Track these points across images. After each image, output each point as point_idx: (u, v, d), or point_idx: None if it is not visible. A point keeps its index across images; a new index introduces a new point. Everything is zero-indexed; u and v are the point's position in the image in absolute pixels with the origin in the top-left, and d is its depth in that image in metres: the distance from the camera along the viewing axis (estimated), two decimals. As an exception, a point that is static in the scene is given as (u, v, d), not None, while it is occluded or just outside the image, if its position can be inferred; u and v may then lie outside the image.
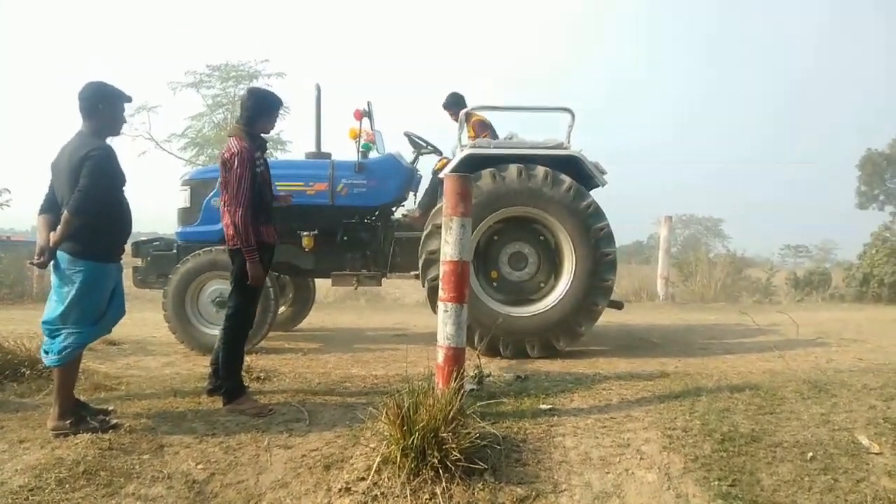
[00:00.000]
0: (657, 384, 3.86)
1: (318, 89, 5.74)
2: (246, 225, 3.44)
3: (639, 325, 7.14)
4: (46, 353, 3.22)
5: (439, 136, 6.15)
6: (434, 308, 4.74)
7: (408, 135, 6.00)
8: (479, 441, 2.76)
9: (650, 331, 6.66)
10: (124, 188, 3.37)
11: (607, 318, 6.68)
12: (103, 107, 3.26)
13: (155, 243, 5.81)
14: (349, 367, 4.77)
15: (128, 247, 3.55)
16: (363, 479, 2.69)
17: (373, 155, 5.76)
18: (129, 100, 3.36)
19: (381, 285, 6.14)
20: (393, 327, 7.23)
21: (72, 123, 3.33)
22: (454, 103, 6.19)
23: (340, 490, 2.67)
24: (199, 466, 2.88)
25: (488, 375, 3.91)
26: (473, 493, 2.59)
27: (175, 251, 5.62)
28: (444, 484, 2.58)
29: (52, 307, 3.20)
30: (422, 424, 2.66)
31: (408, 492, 2.58)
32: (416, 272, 5.27)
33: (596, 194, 5.20)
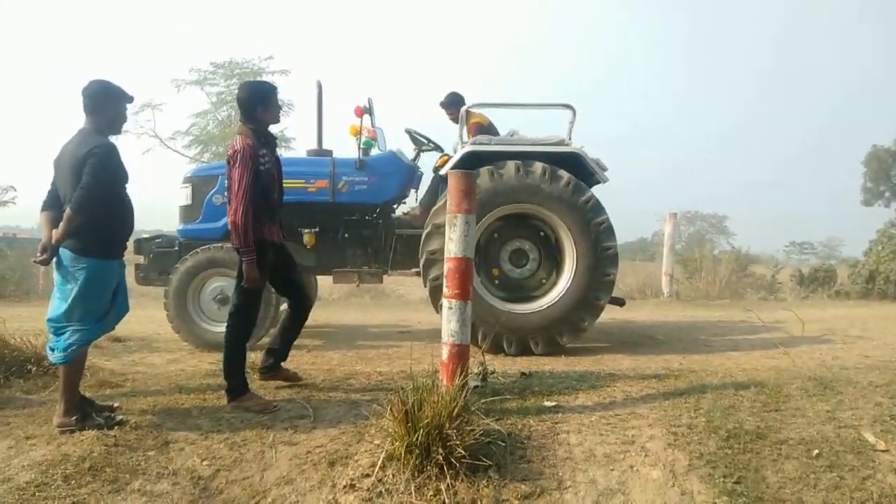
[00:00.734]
0: (662, 381, 3.85)
1: (320, 86, 5.74)
2: (245, 224, 3.38)
3: (643, 323, 7.13)
4: (52, 350, 3.23)
5: (440, 134, 6.15)
6: (437, 307, 4.74)
7: (409, 132, 5.99)
8: (483, 438, 2.76)
9: (654, 328, 6.65)
10: (127, 185, 3.37)
11: (611, 315, 6.69)
12: (107, 105, 3.26)
13: (157, 240, 5.82)
14: (353, 364, 4.77)
15: (130, 244, 3.55)
16: (368, 475, 2.70)
17: (374, 152, 5.76)
18: (131, 99, 3.37)
19: (382, 282, 6.15)
20: (397, 324, 7.24)
21: (75, 121, 3.34)
22: (452, 103, 6.09)
23: (345, 486, 2.67)
24: (205, 463, 2.89)
25: (492, 372, 3.91)
26: (478, 490, 2.59)
27: (177, 248, 5.63)
28: (448, 480, 2.58)
29: (56, 305, 3.21)
30: (426, 421, 2.66)
31: (412, 488, 2.58)
32: (417, 269, 5.27)
33: (598, 191, 5.19)
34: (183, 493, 2.70)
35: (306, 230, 5.50)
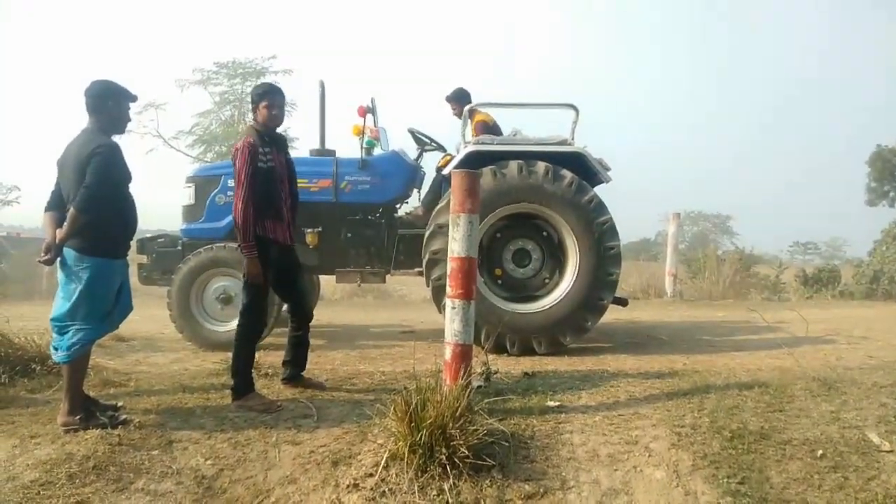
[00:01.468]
0: (665, 381, 3.85)
1: (322, 86, 5.74)
2: (246, 220, 3.44)
3: (647, 323, 7.12)
4: (56, 349, 3.23)
5: (443, 133, 6.14)
6: (439, 307, 4.74)
7: (412, 131, 5.99)
8: (486, 438, 2.76)
9: (658, 328, 6.63)
10: (130, 185, 3.38)
11: (615, 315, 6.68)
12: (110, 105, 3.28)
13: (160, 240, 5.83)
14: (356, 364, 4.78)
15: (133, 243, 3.56)
16: (371, 475, 2.70)
17: (377, 152, 5.76)
18: (134, 99, 3.38)
19: (384, 282, 6.15)
20: (400, 324, 7.23)
21: (78, 121, 3.36)
22: (457, 98, 6.08)
23: (348, 486, 2.67)
24: (208, 462, 2.90)
25: (496, 372, 3.91)
26: (481, 490, 2.59)
27: (180, 248, 5.64)
28: (451, 480, 2.58)
29: (60, 304, 3.22)
30: (429, 421, 2.66)
31: (415, 488, 2.58)
32: (420, 269, 5.27)
33: (601, 191, 5.18)
34: (186, 493, 2.71)
35: (309, 230, 5.50)
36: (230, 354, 3.66)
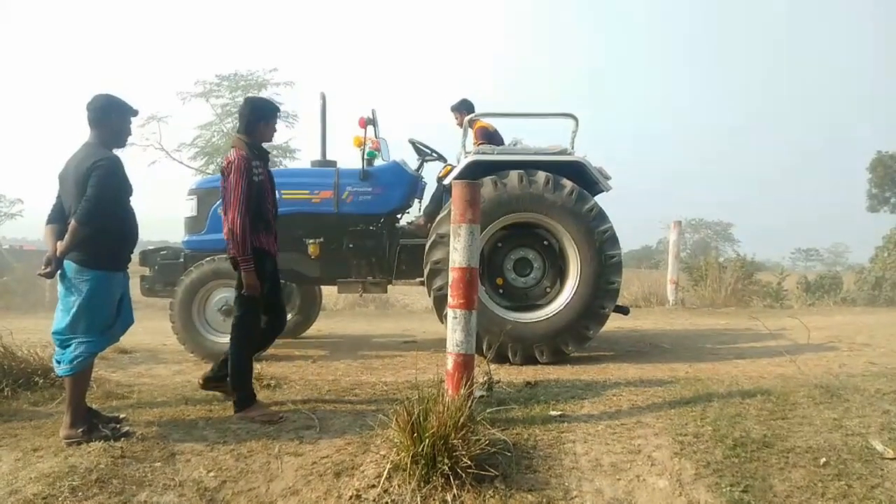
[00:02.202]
0: (668, 390, 3.84)
1: (324, 98, 5.78)
2: (243, 233, 3.45)
3: (649, 331, 7.11)
4: (58, 362, 3.24)
5: (443, 144, 6.18)
6: (441, 317, 4.75)
7: (412, 142, 6.02)
8: (489, 448, 2.76)
9: (660, 336, 6.62)
10: (131, 198, 3.41)
11: (617, 323, 6.68)
12: (111, 118, 3.31)
13: (162, 252, 5.85)
14: (359, 374, 4.78)
15: (135, 256, 3.57)
16: (374, 486, 2.70)
17: (378, 162, 5.79)
18: (135, 113, 3.41)
19: (386, 292, 6.16)
20: (402, 334, 7.23)
21: (80, 134, 3.39)
22: (460, 108, 6.19)
23: (351, 497, 2.67)
24: (211, 474, 2.89)
25: (498, 382, 3.91)
26: (484, 500, 2.58)
27: (182, 260, 5.66)
28: (454, 491, 2.58)
29: (60, 317, 3.22)
30: (432, 431, 2.66)
31: (418, 499, 2.58)
32: (422, 279, 5.28)
33: (602, 200, 5.20)
34: (189, 505, 2.70)
35: (311, 240, 5.52)
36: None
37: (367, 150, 5.58)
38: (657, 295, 10.47)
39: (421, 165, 6.03)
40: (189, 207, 5.69)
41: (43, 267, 3.19)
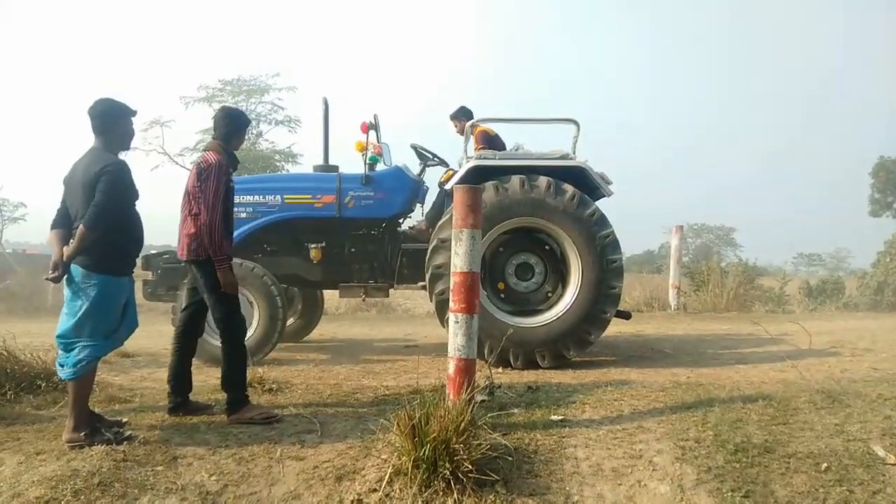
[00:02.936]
0: (669, 395, 3.84)
1: (326, 103, 5.81)
2: (220, 234, 3.54)
3: (650, 336, 7.11)
4: (62, 366, 3.25)
5: (445, 149, 6.21)
6: (443, 321, 4.76)
7: (414, 147, 6.04)
8: (490, 452, 2.76)
9: (662, 341, 6.62)
10: (137, 202, 3.43)
11: (618, 328, 6.67)
12: (115, 122, 3.33)
13: (165, 256, 5.86)
14: (360, 379, 4.78)
15: (138, 260, 3.60)
16: (375, 490, 2.70)
17: (380, 167, 5.80)
18: (134, 113, 3.44)
19: (388, 296, 6.18)
20: (403, 338, 7.24)
21: (84, 139, 3.41)
22: (459, 115, 6.24)
23: (353, 501, 2.68)
24: (213, 478, 2.90)
25: (499, 386, 3.91)
26: (485, 505, 2.58)
27: (184, 264, 5.67)
28: (455, 495, 2.58)
29: (65, 321, 3.24)
30: (433, 436, 2.67)
31: (420, 503, 2.59)
32: (423, 283, 5.30)
33: (604, 205, 5.21)
34: (191, 509, 2.71)
35: (313, 245, 5.54)
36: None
37: (369, 154, 5.60)
38: (659, 300, 10.47)
39: (423, 170, 6.05)
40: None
41: (50, 272, 3.20)
